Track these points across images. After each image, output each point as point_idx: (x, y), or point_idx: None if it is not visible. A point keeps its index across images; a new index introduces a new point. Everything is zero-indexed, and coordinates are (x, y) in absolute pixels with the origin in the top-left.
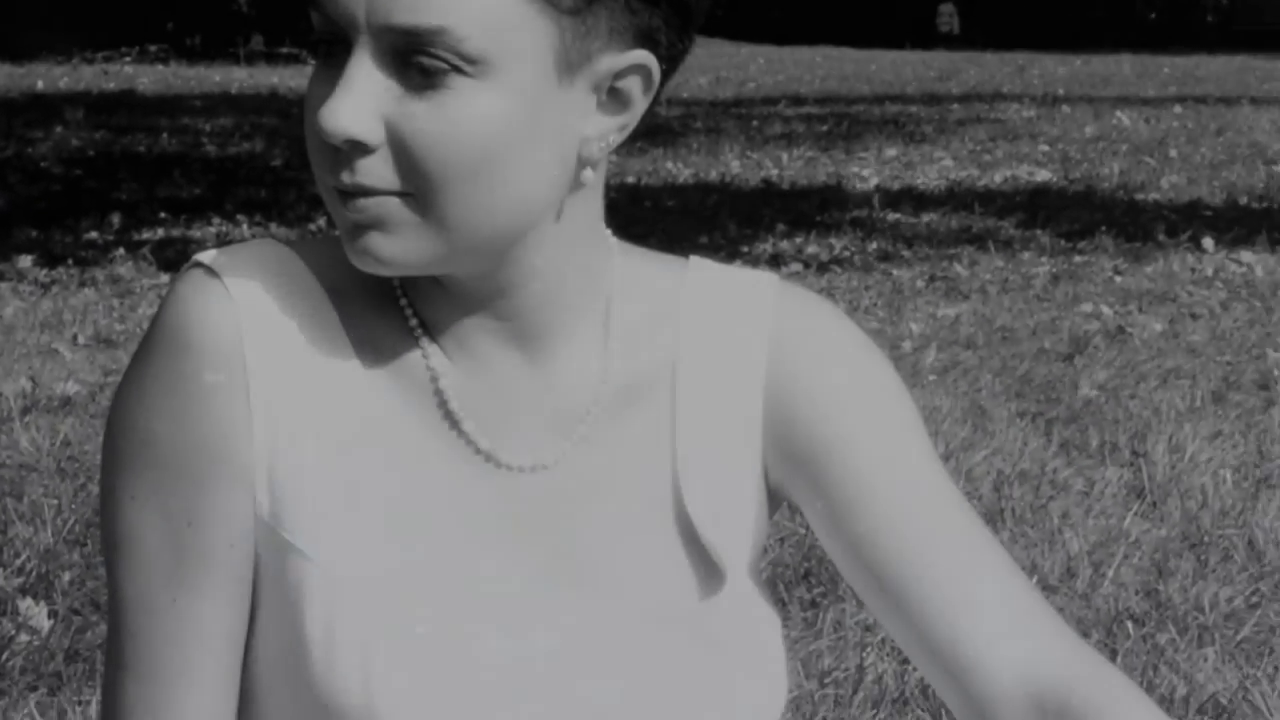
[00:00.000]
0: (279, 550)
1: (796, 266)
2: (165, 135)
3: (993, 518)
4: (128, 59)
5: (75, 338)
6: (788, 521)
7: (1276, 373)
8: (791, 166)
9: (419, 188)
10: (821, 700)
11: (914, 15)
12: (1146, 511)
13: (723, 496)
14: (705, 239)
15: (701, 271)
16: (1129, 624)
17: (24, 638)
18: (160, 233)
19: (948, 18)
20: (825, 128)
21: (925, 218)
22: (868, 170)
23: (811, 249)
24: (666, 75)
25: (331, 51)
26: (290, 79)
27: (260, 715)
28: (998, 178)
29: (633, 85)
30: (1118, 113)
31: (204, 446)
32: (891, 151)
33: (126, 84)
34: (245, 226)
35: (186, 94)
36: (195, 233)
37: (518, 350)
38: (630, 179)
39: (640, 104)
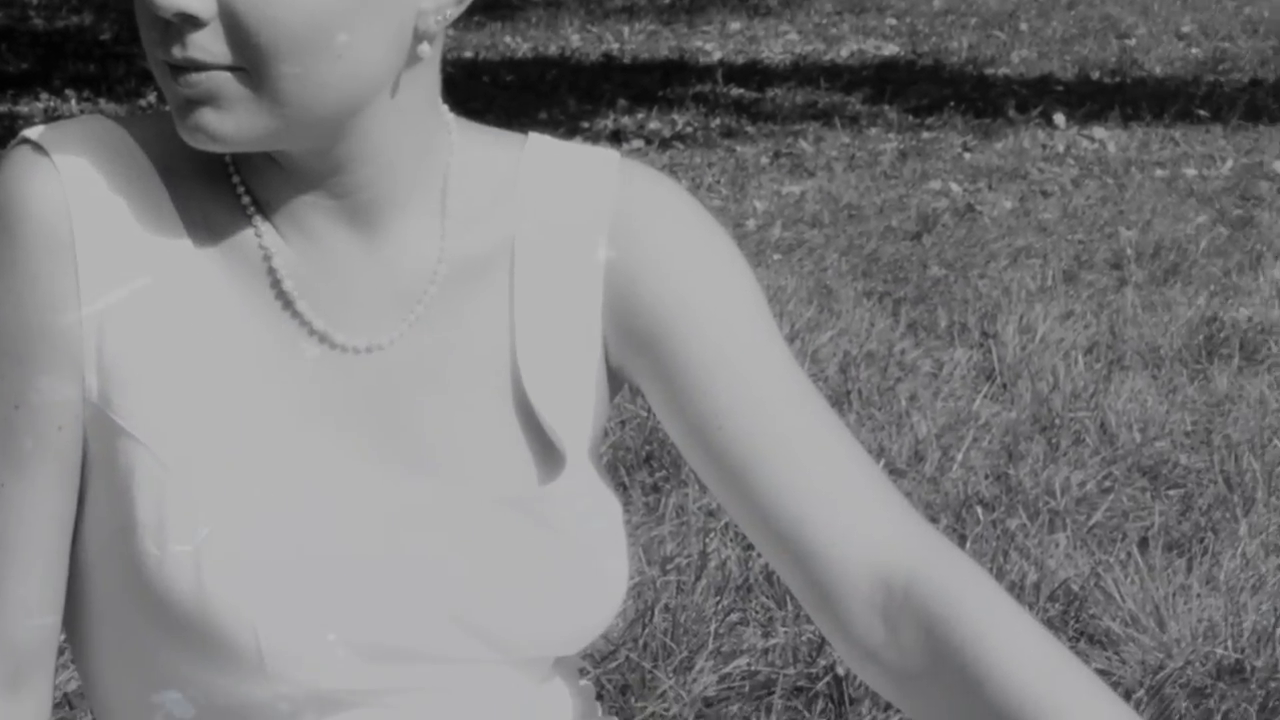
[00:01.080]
0: (108, 433)
1: (638, 143)
2: None
3: (839, 400)
4: None
5: None
6: (629, 404)
7: (1129, 251)
8: (633, 40)
9: (251, 62)
10: (664, 587)
11: None
12: (996, 394)
13: (563, 378)
14: (544, 115)
15: (541, 148)
16: (978, 509)
17: None
18: None
19: None
20: (668, 0)
21: (770, 93)
22: (711, 44)
23: (653, 125)
24: None
25: None
26: None
27: (91, 598)
28: (844, 52)
29: None
30: None
31: (30, 327)
32: (735, 25)
33: None
34: (74, 102)
35: None
36: (22, 109)
37: (353, 229)
38: (468, 54)
39: None
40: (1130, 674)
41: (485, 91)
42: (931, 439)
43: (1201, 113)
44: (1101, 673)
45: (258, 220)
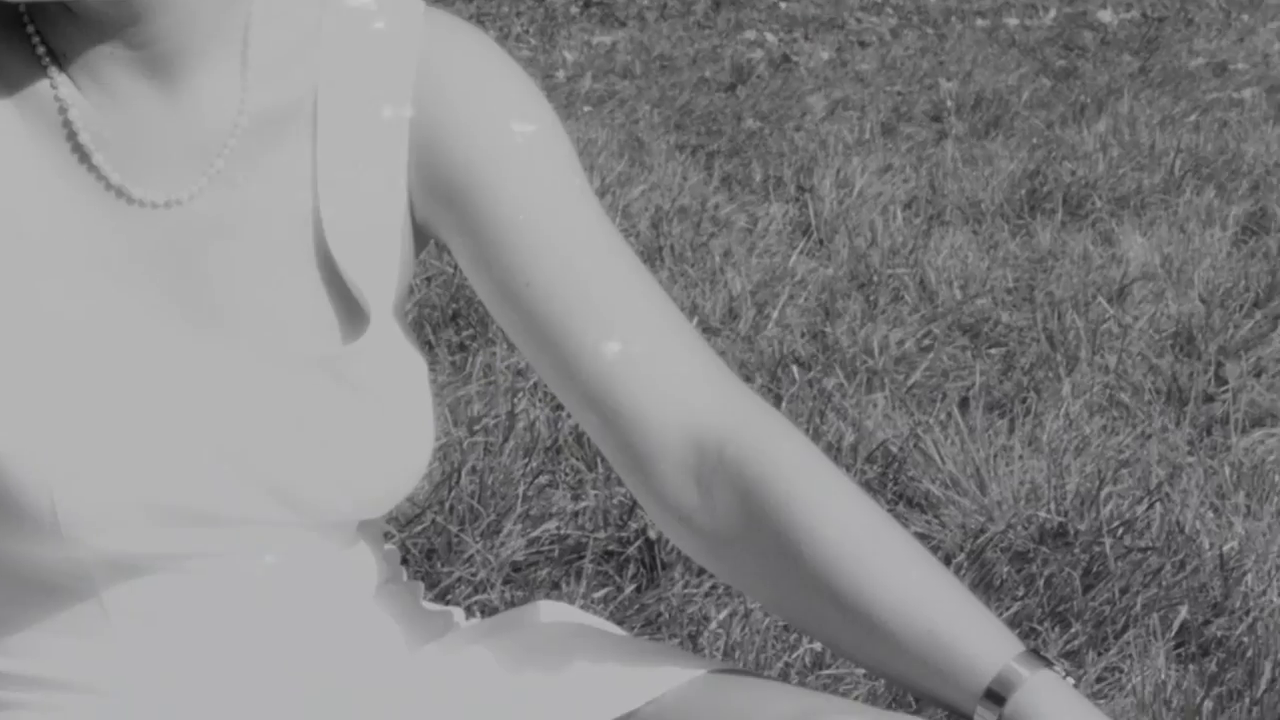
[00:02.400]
0: None
1: None
2: None
3: (651, 256)
4: None
5: None
6: (435, 260)
7: (949, 103)
8: None
9: None
10: (471, 448)
11: None
12: (813, 250)
13: (366, 234)
14: None
15: None
16: (794, 368)
17: None
18: None
19: None
20: None
21: None
22: None
23: None
24: None
25: None
26: None
27: None
28: None
29: None
30: None
31: None
32: None
33: None
34: None
35: None
36: None
37: (152, 81)
38: None
39: None
40: (950, 538)
41: None
42: (746, 296)
43: None
44: (921, 536)
45: (53, 72)
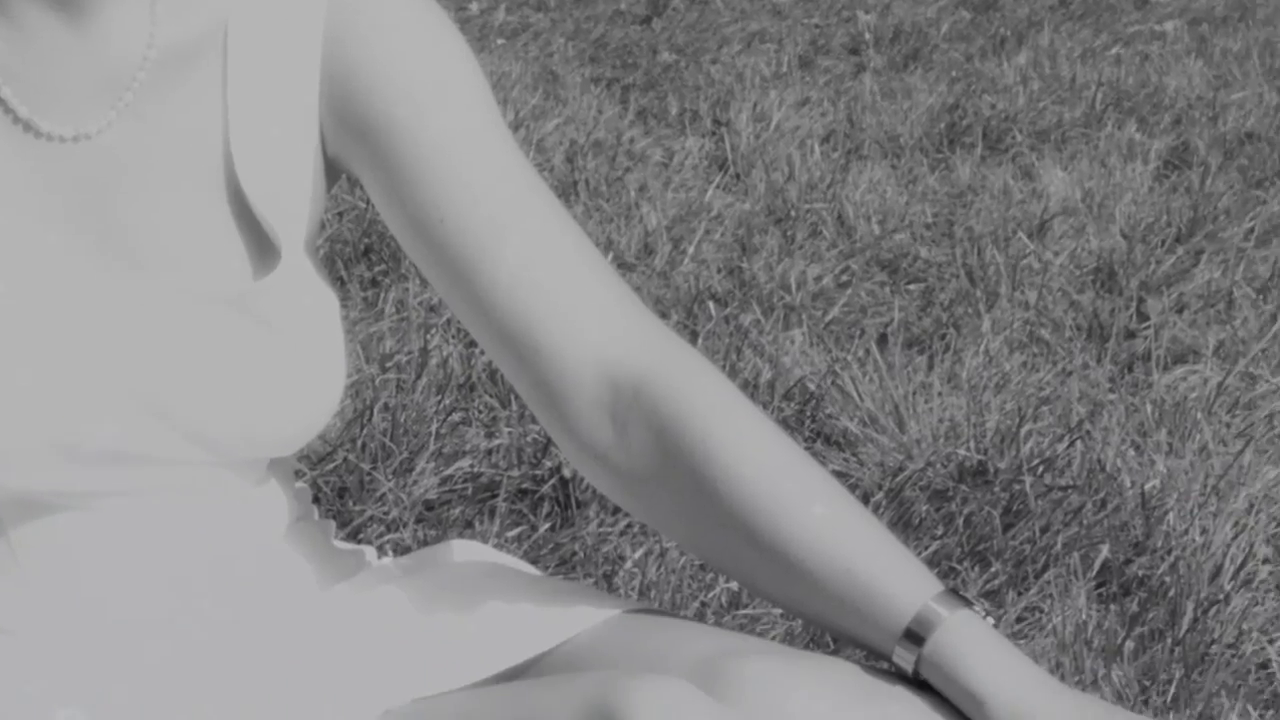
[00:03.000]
0: None
1: None
2: None
3: (565, 191)
4: None
5: None
6: (347, 195)
7: (868, 36)
8: None
9: None
10: (383, 386)
11: None
12: (729, 184)
13: (278, 168)
14: None
15: None
16: (710, 304)
17: None
18: None
19: None
20: None
21: None
22: None
23: None
24: None
25: None
26: None
27: None
28: None
29: None
30: None
31: None
32: None
33: None
34: None
35: None
36: None
37: (60, 13)
38: None
39: None
40: (869, 476)
41: None
42: (662, 231)
43: None
44: (839, 474)
45: None
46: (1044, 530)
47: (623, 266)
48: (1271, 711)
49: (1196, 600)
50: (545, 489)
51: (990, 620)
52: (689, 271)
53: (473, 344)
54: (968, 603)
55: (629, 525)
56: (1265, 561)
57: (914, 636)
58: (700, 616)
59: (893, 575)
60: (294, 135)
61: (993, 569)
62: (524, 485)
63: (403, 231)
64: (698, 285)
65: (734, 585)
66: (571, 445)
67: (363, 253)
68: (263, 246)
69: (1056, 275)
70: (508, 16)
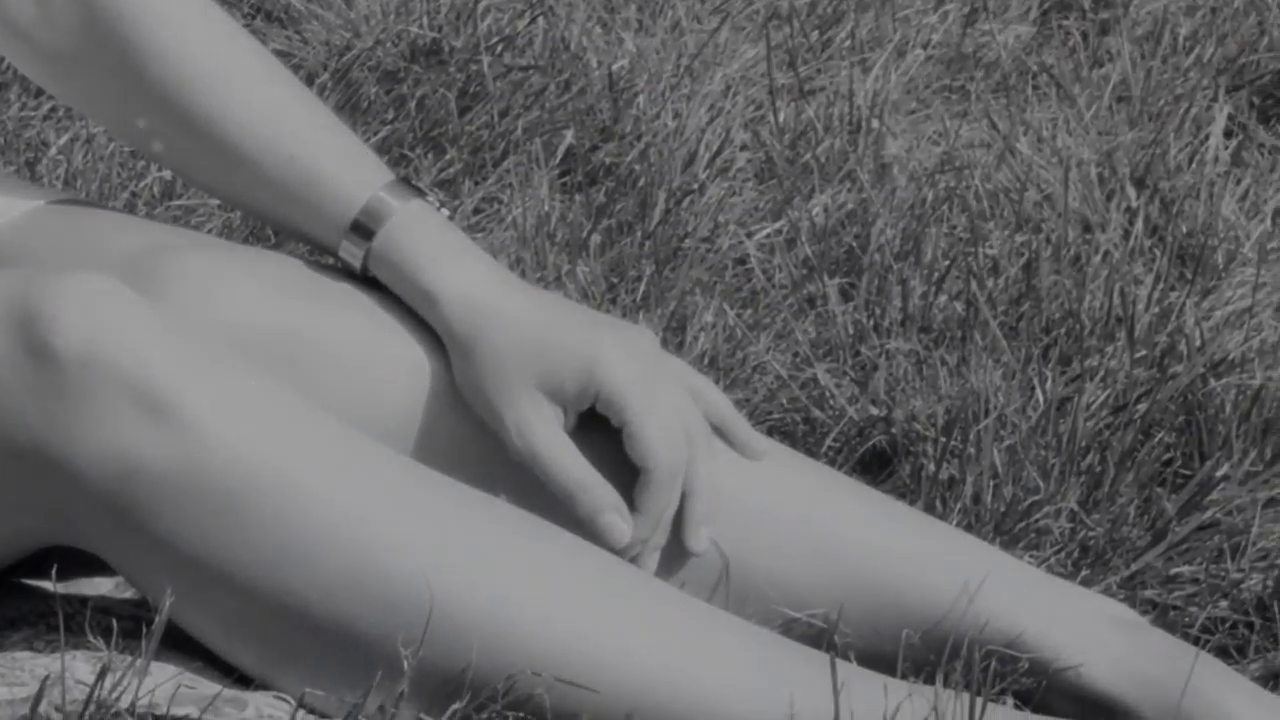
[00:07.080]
0: None
1: None
2: None
3: None
4: None
5: None
6: None
7: None
8: None
9: None
10: None
11: None
12: None
13: None
14: None
15: None
16: None
17: None
18: None
19: None
20: None
21: None
22: None
23: None
24: None
25: None
26: None
27: None
28: None
29: None
30: None
31: None
32: None
33: None
34: None
35: None
36: None
37: None
38: None
39: None
40: (314, 55)
41: None
42: None
43: None
44: (281, 54)
45: None
46: (503, 114)
47: None
48: (750, 310)
49: (669, 190)
50: None
51: (445, 212)
52: None
53: None
54: (421, 193)
55: (54, 109)
56: (743, 148)
57: (362, 229)
58: (131, 208)
59: (339, 162)
60: None
61: (448, 156)
62: None
63: None
64: None
65: (167, 174)
66: None
67: None
68: None
69: None
70: None
